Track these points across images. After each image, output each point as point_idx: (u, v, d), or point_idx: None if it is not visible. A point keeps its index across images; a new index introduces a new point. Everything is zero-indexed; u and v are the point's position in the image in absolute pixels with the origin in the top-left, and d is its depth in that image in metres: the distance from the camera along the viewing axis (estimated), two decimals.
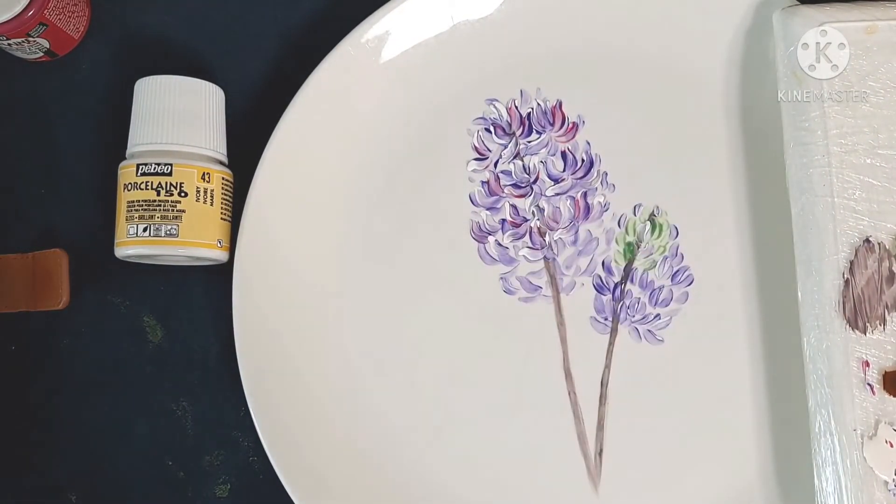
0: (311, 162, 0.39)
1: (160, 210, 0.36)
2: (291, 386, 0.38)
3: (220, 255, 0.38)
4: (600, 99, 0.40)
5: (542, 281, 0.39)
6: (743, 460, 0.39)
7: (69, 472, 0.40)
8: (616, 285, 0.40)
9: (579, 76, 0.41)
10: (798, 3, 0.39)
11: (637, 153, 0.40)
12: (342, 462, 0.38)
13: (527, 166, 0.40)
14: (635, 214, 0.40)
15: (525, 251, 0.40)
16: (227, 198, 0.38)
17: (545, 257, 0.40)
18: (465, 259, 0.40)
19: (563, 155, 0.40)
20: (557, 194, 0.40)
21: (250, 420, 0.37)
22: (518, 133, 0.40)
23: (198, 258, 0.38)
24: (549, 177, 0.40)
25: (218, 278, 0.40)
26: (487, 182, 0.40)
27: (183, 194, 0.37)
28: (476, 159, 0.40)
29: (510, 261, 0.40)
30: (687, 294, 0.40)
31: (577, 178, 0.40)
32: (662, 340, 0.39)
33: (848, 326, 0.36)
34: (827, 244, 0.36)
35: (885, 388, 0.35)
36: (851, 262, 0.36)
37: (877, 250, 0.36)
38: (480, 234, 0.40)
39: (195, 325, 0.40)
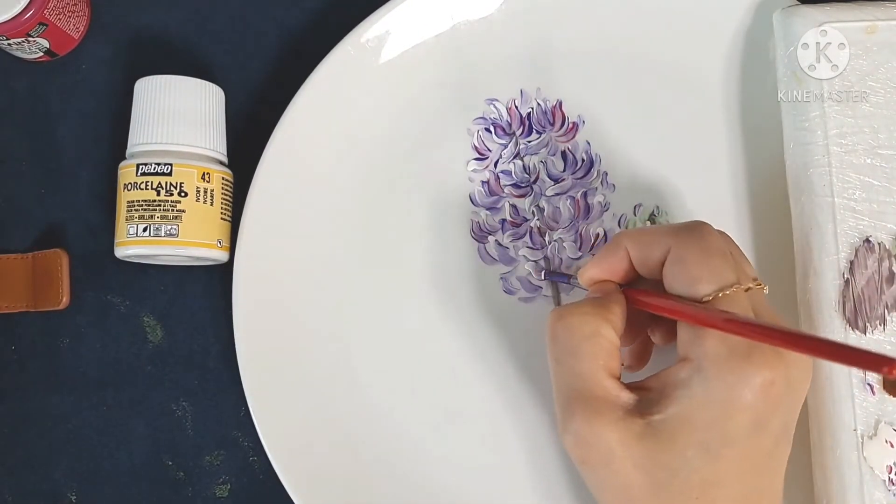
0: (311, 162, 0.39)
1: (160, 210, 0.36)
2: (291, 386, 0.38)
3: (220, 255, 0.38)
4: (600, 99, 0.40)
5: (543, 281, 0.39)
6: None
7: (69, 472, 0.40)
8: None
9: (579, 76, 0.41)
10: (798, 3, 0.39)
11: (637, 153, 0.40)
12: (342, 462, 0.38)
13: (527, 166, 0.40)
14: (635, 214, 0.40)
15: (525, 251, 0.40)
16: (227, 198, 0.38)
17: (545, 257, 0.40)
18: (465, 259, 0.40)
19: (563, 155, 0.40)
20: (557, 194, 0.40)
21: (250, 420, 0.37)
22: (518, 133, 0.40)
23: (198, 258, 0.38)
24: (549, 177, 0.40)
25: (218, 278, 0.40)
26: (487, 182, 0.40)
27: (183, 194, 0.37)
28: (476, 159, 0.40)
29: (510, 261, 0.40)
30: None
31: (577, 178, 0.40)
32: None
33: (848, 326, 0.36)
34: (827, 244, 0.36)
35: (885, 388, 0.35)
36: (851, 262, 0.36)
37: (877, 250, 0.36)
38: (480, 234, 0.40)
39: (195, 325, 0.40)
